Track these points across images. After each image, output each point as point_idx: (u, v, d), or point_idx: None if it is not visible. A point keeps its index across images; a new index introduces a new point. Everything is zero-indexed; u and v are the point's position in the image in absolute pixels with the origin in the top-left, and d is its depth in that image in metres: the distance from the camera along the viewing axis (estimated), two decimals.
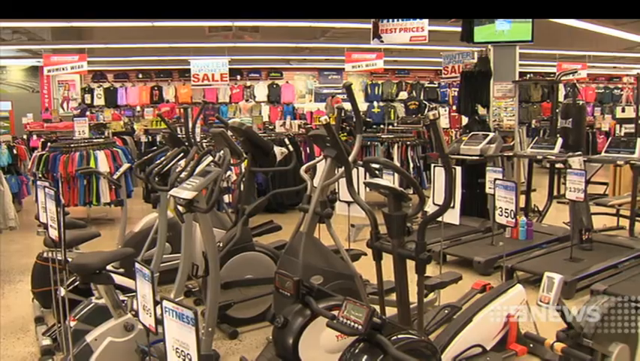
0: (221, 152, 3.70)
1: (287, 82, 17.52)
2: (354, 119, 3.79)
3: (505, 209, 3.83)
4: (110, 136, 10.30)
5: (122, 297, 3.52)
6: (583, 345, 2.88)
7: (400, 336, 2.62)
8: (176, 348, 1.78)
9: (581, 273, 5.21)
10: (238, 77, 16.81)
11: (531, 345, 3.49)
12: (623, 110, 14.53)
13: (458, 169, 4.10)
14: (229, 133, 4.10)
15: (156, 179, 4.20)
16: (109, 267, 3.47)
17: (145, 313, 2.19)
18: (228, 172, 6.52)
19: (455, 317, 3.50)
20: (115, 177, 5.92)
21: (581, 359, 2.83)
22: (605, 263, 5.47)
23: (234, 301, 4.28)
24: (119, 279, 3.69)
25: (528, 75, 16.77)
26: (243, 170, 5.07)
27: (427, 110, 14.16)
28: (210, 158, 3.68)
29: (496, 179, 4.21)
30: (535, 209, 7.81)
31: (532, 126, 14.03)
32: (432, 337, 3.21)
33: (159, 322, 1.90)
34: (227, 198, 7.31)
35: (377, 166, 3.93)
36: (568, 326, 2.91)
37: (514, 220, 3.84)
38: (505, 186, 3.83)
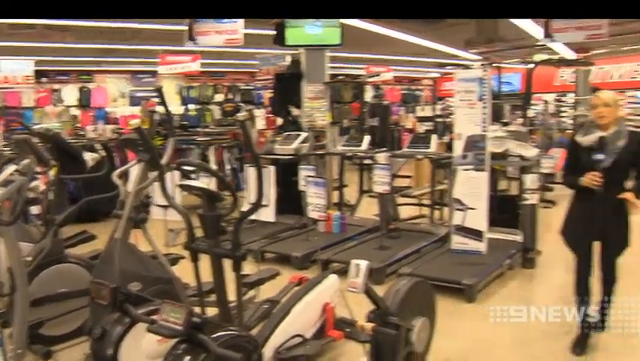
0: (26, 160, 3.49)
1: (98, 85, 16.65)
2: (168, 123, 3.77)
3: (317, 204, 4.04)
4: None
5: None
6: (390, 322, 3.13)
7: (220, 333, 2.66)
8: None
9: (390, 259, 5.67)
10: (44, 80, 15.62)
11: (347, 329, 3.64)
12: (423, 110, 15.90)
13: (272, 168, 4.22)
14: (35, 140, 3.87)
15: None
16: None
17: None
18: (36, 181, 6.10)
19: (275, 310, 3.60)
20: None
21: (388, 334, 3.08)
22: (410, 249, 6.01)
23: (47, 318, 4.02)
24: None
25: (340, 77, 17.63)
26: (52, 178, 4.79)
27: (245, 112, 14.27)
28: (14, 167, 3.45)
29: (307, 176, 4.41)
30: (348, 203, 8.25)
31: (344, 125, 14.73)
32: (253, 332, 3.27)
33: None
34: (35, 209, 6.83)
35: (192, 168, 3.93)
36: (376, 306, 3.15)
37: (325, 214, 4.06)
38: (315, 182, 4.04)
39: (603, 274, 3.87)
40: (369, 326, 3.10)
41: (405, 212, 7.99)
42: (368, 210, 7.69)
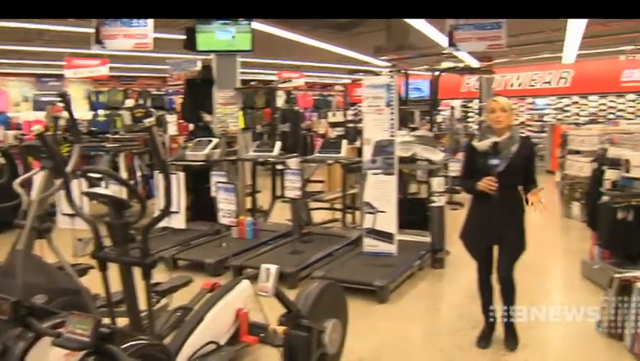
0: None
1: None
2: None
3: (227, 210, 4.03)
4: None
5: None
6: (301, 325, 3.18)
7: (131, 343, 2.60)
8: None
9: (303, 263, 5.73)
10: None
11: (262, 334, 3.66)
12: (335, 115, 16.16)
13: (181, 175, 4.18)
14: None
15: None
16: None
17: None
18: None
19: (187, 318, 3.57)
20: None
21: (299, 337, 3.12)
22: (322, 252, 6.10)
23: None
24: None
25: (252, 82, 17.59)
26: None
27: (153, 117, 13.98)
28: None
29: (217, 182, 4.39)
30: (261, 209, 8.26)
31: (258, 131, 14.73)
32: (166, 341, 3.24)
33: None
34: None
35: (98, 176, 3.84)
36: (287, 310, 3.19)
37: (236, 220, 4.06)
38: (225, 188, 4.04)
39: (501, 278, 3.98)
40: (282, 329, 3.14)
41: (318, 216, 8.10)
42: (281, 215, 7.73)
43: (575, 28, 9.50)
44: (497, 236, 3.92)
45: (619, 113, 16.33)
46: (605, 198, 5.40)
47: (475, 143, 3.96)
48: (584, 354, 4.14)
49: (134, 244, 2.88)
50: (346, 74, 17.85)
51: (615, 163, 5.53)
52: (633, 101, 16.28)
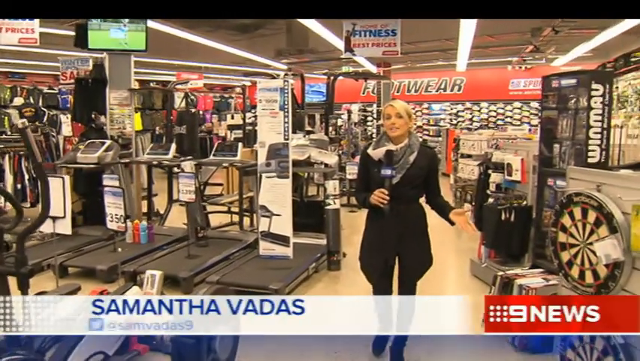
0: None
1: None
2: None
3: (115, 214, 3.90)
4: None
5: None
6: None
7: (5, 359, 2.47)
8: None
9: (198, 268, 5.64)
10: None
11: (154, 342, 3.57)
12: (233, 117, 16.06)
13: (66, 178, 4.00)
14: None
15: None
16: None
17: None
18: None
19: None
20: None
21: (186, 344, 3.06)
22: (218, 256, 6.02)
23: None
24: None
25: (151, 83, 17.17)
26: None
27: (45, 117, 13.32)
28: None
29: (104, 186, 4.25)
30: (158, 213, 8.07)
31: (157, 133, 14.40)
32: (49, 354, 3.08)
33: None
34: None
35: None
36: None
37: (124, 225, 3.93)
38: (113, 192, 3.90)
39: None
40: (168, 336, 3.06)
41: (216, 219, 8.00)
42: (179, 219, 7.58)
43: (466, 37, 9.93)
44: (394, 256, 3.59)
45: (507, 120, 17.30)
46: (490, 200, 5.68)
47: (370, 151, 3.57)
48: (469, 349, 4.30)
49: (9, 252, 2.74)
50: (242, 76, 17.78)
51: (499, 167, 5.82)
52: (520, 108, 17.32)
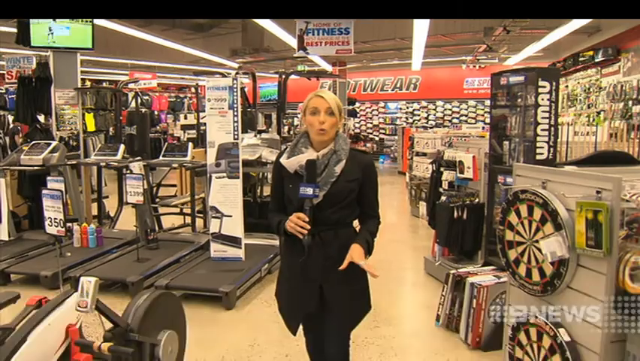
0: None
1: None
2: None
3: (55, 218, 3.75)
4: None
5: None
6: (130, 339, 2.99)
7: None
8: None
9: (147, 271, 5.49)
10: None
11: (95, 351, 3.45)
12: (186, 118, 15.84)
13: (2, 181, 3.82)
14: None
15: None
16: None
17: None
18: None
19: (7, 340, 3.25)
20: None
21: (125, 353, 2.93)
22: (169, 259, 5.88)
23: None
24: None
25: (104, 83, 16.82)
26: None
27: None
28: None
29: (42, 189, 4.08)
30: (109, 215, 7.87)
31: (111, 134, 14.09)
32: None
33: None
34: None
35: None
36: (114, 324, 2.99)
37: (64, 229, 3.78)
38: (52, 195, 3.75)
39: (330, 356, 2.76)
40: (107, 345, 2.93)
41: (169, 221, 7.85)
42: (131, 222, 7.41)
43: (420, 36, 9.99)
44: (319, 299, 2.64)
45: (462, 118, 17.54)
46: (442, 198, 5.69)
47: (284, 160, 2.62)
48: (423, 348, 4.30)
49: None
50: (193, 75, 17.61)
51: (451, 164, 5.83)
52: (474, 107, 17.57)
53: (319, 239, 2.55)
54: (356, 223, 2.71)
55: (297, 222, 2.47)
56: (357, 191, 2.59)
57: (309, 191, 2.47)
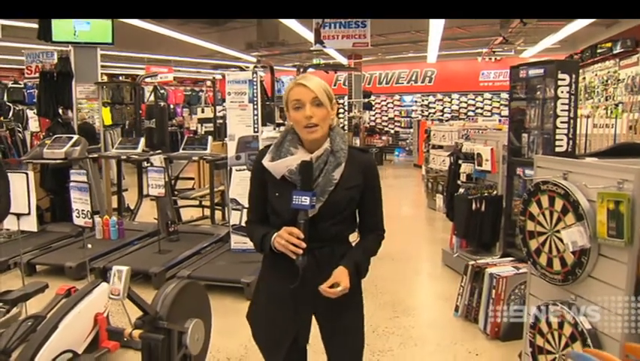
0: None
1: None
2: None
3: (82, 210, 3.84)
4: None
5: None
6: (159, 327, 3.07)
7: None
8: None
9: (169, 263, 5.60)
10: None
11: (125, 338, 3.48)
12: (203, 111, 15.94)
13: (30, 174, 3.90)
14: None
15: None
16: None
17: None
18: None
19: (39, 327, 3.35)
20: None
21: (155, 340, 3.02)
22: (190, 251, 5.98)
23: None
24: None
25: (121, 77, 16.95)
26: None
27: (11, 113, 13.09)
28: None
29: (70, 181, 4.17)
30: (129, 208, 7.98)
31: (127, 127, 14.23)
32: (15, 354, 3.01)
33: None
34: None
35: None
36: (143, 312, 3.07)
37: (91, 221, 3.87)
38: (78, 187, 3.83)
39: None
40: (137, 332, 3.02)
41: (188, 213, 7.95)
42: (149, 214, 7.52)
43: (436, 29, 9.99)
44: (308, 331, 2.20)
45: (478, 111, 17.48)
46: (460, 190, 5.72)
47: (267, 163, 2.09)
48: (443, 337, 4.35)
49: None
50: (212, 69, 17.69)
51: (469, 157, 5.86)
52: (490, 99, 17.49)
53: (313, 258, 2.05)
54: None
55: (289, 239, 1.98)
56: (357, 200, 2.12)
57: (306, 201, 1.98)
